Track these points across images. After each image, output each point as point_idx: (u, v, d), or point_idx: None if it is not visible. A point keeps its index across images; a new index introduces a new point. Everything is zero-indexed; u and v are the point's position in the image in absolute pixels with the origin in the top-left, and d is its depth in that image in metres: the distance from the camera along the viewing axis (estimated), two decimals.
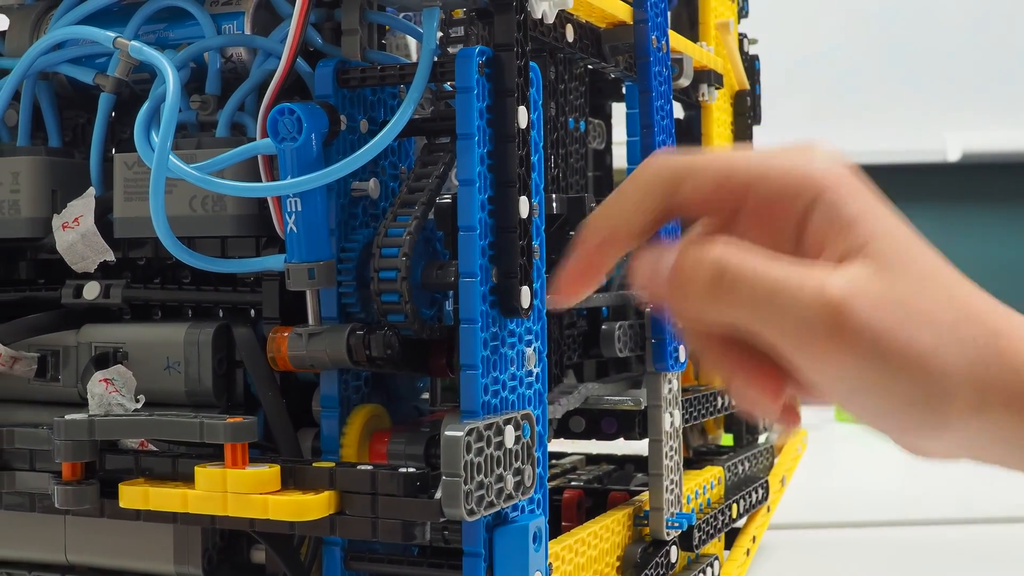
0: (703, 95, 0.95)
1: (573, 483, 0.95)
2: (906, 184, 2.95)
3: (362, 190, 0.65)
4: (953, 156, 2.87)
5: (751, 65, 1.06)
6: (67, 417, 0.61)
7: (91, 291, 0.70)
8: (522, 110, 0.62)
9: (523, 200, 0.62)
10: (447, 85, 0.70)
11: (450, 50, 0.68)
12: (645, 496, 0.81)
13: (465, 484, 0.56)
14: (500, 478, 0.59)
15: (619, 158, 1.00)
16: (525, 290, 0.62)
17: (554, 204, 0.73)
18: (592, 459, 1.04)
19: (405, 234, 0.62)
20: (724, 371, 0.49)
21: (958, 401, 0.46)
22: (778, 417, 0.51)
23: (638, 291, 0.50)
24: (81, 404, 0.67)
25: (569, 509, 0.86)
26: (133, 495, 0.60)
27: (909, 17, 2.86)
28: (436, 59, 0.62)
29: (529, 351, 0.65)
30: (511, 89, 0.61)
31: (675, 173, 0.49)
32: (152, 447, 0.65)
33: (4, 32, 0.75)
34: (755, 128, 1.06)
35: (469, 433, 0.57)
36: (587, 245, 0.50)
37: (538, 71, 0.64)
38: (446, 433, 0.57)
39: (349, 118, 0.64)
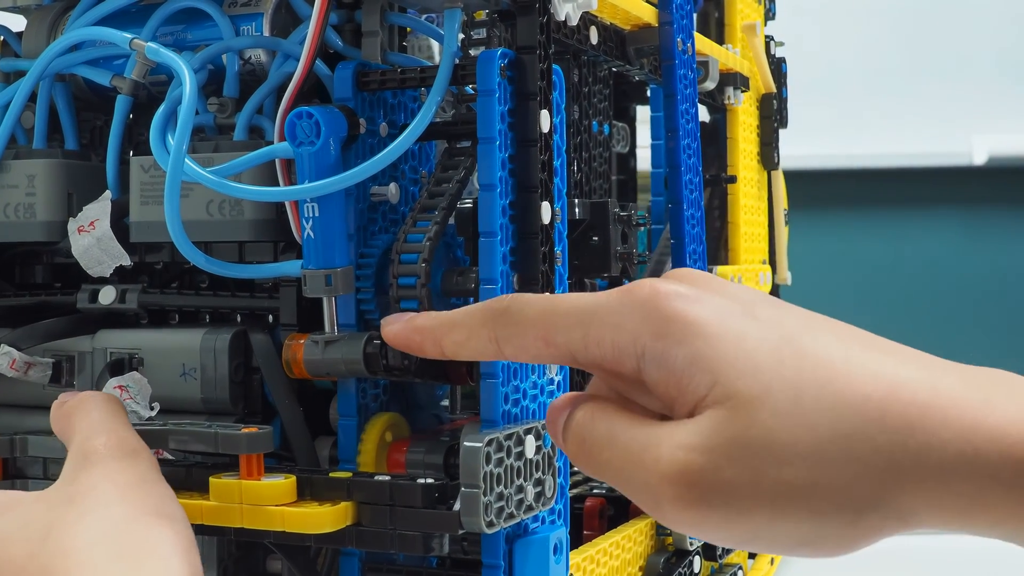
0: (729, 98, 0.93)
1: (595, 491, 0.93)
2: (932, 187, 2.95)
3: (381, 195, 0.64)
4: (979, 159, 2.88)
5: (778, 68, 1.04)
6: None
7: (107, 296, 0.69)
8: (544, 114, 0.60)
9: (545, 205, 0.61)
10: (469, 88, 0.68)
11: (472, 52, 0.67)
12: None
13: (484, 496, 0.55)
14: (520, 489, 0.58)
15: (643, 161, 0.99)
16: None
17: (577, 209, 0.72)
18: None
19: (425, 240, 0.60)
20: None
21: (873, 516, 0.41)
22: None
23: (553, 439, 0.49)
24: None
25: (591, 518, 0.85)
26: None
27: (935, 20, 2.85)
28: (457, 62, 0.61)
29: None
30: (533, 92, 0.60)
31: (501, 333, 0.48)
32: (167, 455, 0.64)
33: (21, 33, 0.74)
34: (781, 131, 1.05)
35: (489, 443, 0.55)
36: (413, 332, 0.52)
37: (561, 74, 0.63)
38: (465, 443, 0.55)
39: (369, 121, 0.63)
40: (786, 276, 1.04)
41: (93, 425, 0.56)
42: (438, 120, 0.63)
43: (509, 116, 0.60)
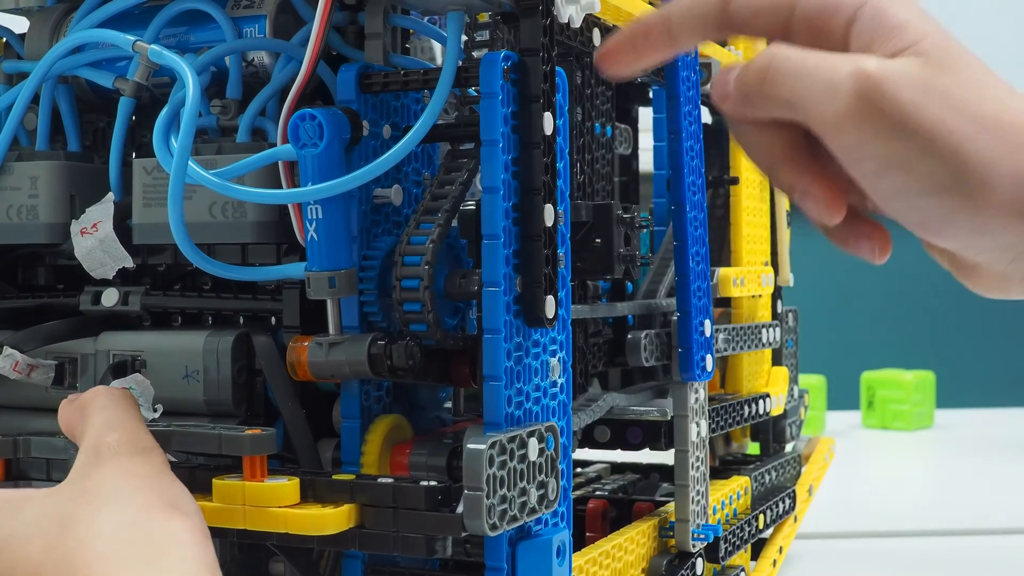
0: None
1: (598, 493, 0.94)
2: None
3: (384, 197, 0.64)
4: None
5: None
6: None
7: (110, 298, 0.69)
8: (547, 116, 0.60)
9: (548, 208, 0.60)
10: (472, 90, 0.68)
11: (475, 54, 0.67)
12: (671, 507, 0.80)
13: (488, 498, 0.55)
14: (523, 492, 0.58)
15: (645, 163, 0.99)
16: (550, 300, 0.60)
17: (582, 212, 0.72)
18: (617, 467, 1.03)
19: (428, 242, 0.60)
20: (768, 162, 0.53)
21: (995, 196, 0.46)
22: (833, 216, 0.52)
23: (717, 102, 0.53)
24: None
25: (594, 519, 0.85)
26: None
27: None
28: (460, 64, 0.61)
29: (554, 361, 0.63)
30: (537, 95, 0.60)
31: None
32: (170, 456, 0.64)
33: (24, 34, 0.74)
34: None
35: (492, 446, 0.55)
36: (640, 26, 0.54)
37: (564, 76, 0.63)
38: (468, 446, 0.55)
39: (372, 123, 0.63)
40: (788, 278, 1.04)
41: (106, 421, 0.56)
42: (441, 122, 0.63)
43: (512, 119, 0.60)
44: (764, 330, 0.95)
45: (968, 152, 0.46)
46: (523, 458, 0.58)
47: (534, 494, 0.59)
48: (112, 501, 0.52)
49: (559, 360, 0.64)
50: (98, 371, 0.68)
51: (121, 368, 0.66)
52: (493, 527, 0.56)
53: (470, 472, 0.55)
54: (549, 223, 0.61)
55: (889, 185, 0.48)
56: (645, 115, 1.02)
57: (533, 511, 0.59)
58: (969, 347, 2.78)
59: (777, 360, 1.03)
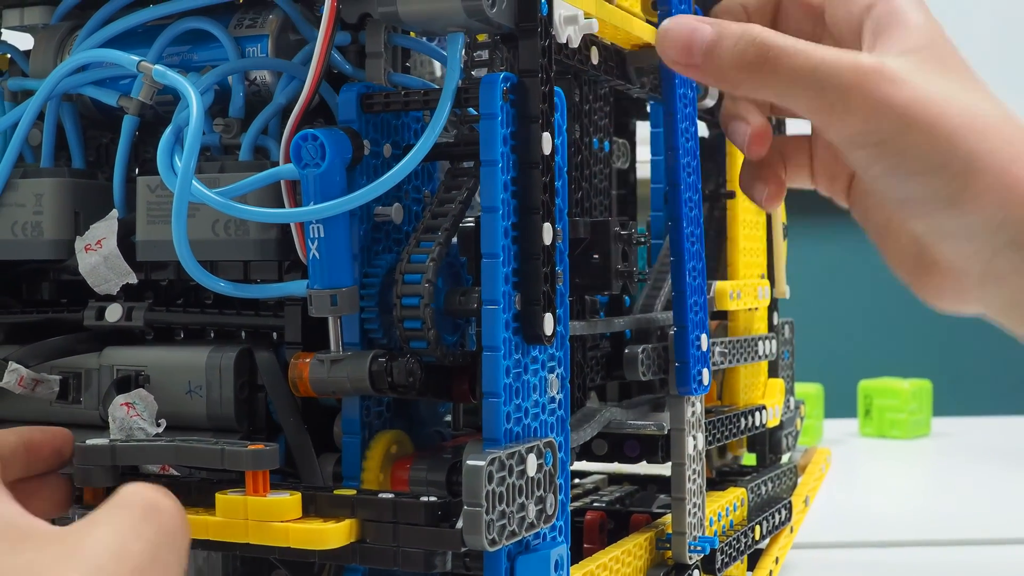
0: None
1: (595, 504, 0.94)
2: None
3: (385, 215, 0.65)
4: None
5: None
6: (88, 442, 0.61)
7: (113, 313, 0.70)
8: (546, 136, 0.61)
9: (547, 227, 0.61)
10: (471, 109, 0.69)
11: (474, 74, 0.68)
12: (667, 519, 0.81)
13: (487, 514, 0.56)
14: (522, 507, 0.59)
15: (644, 170, 1.00)
16: (548, 317, 0.61)
17: (580, 228, 0.73)
18: (614, 479, 1.03)
19: (428, 260, 0.61)
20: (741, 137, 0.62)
21: (980, 182, 0.51)
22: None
23: (669, 60, 0.59)
24: (102, 427, 0.67)
25: (591, 531, 0.86)
26: None
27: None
28: (460, 84, 0.62)
29: (552, 377, 0.64)
30: (535, 116, 0.61)
31: None
32: (173, 471, 0.65)
33: (28, 51, 0.75)
34: None
35: (491, 463, 0.56)
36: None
37: (562, 95, 0.64)
38: (468, 463, 0.56)
39: (372, 143, 0.64)
40: (784, 290, 1.05)
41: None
42: (441, 141, 0.64)
43: (511, 139, 0.61)
44: (760, 342, 0.96)
45: (959, 139, 0.51)
46: (522, 474, 0.59)
47: (532, 509, 0.60)
48: None
49: (557, 376, 0.65)
50: (102, 386, 0.68)
51: (125, 383, 0.67)
52: (492, 542, 0.56)
53: (469, 488, 0.56)
54: (548, 241, 0.61)
55: (882, 167, 0.52)
56: (643, 127, 1.03)
57: (532, 526, 0.60)
58: (966, 355, 2.79)
59: (773, 372, 1.03)
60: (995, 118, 0.52)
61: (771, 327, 1.03)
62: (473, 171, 0.65)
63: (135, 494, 0.50)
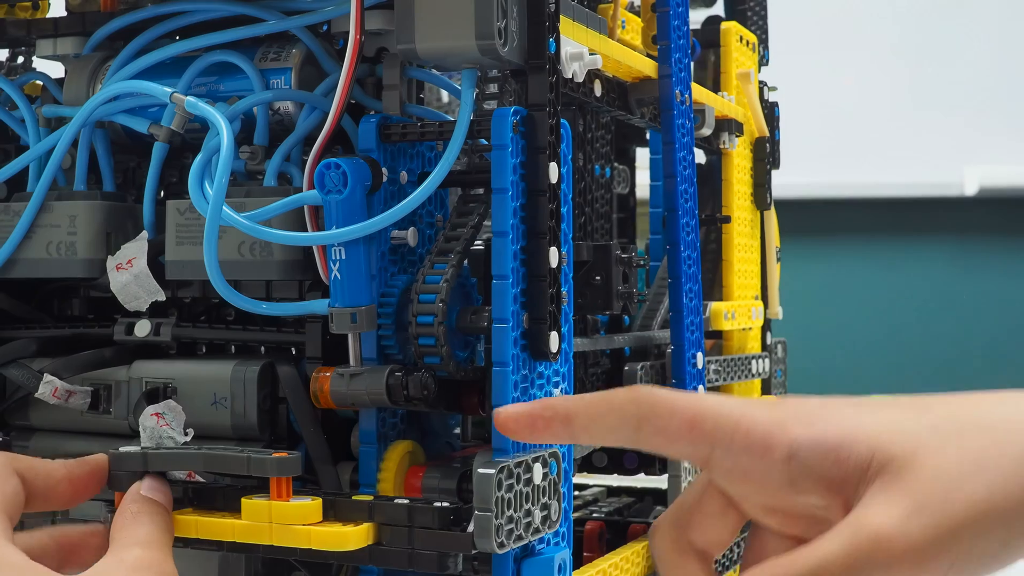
0: (724, 143, 0.98)
1: (595, 515, 0.98)
2: (923, 218, 2.98)
3: (401, 238, 0.69)
4: (971, 190, 2.93)
5: (771, 112, 1.10)
6: (121, 450, 0.65)
7: (142, 329, 0.73)
8: (553, 166, 0.65)
9: (553, 250, 0.66)
10: (482, 140, 0.74)
11: (485, 106, 0.72)
12: None
13: (496, 519, 0.60)
14: (528, 513, 0.63)
15: (643, 190, 1.04)
16: (554, 335, 0.65)
17: (583, 252, 0.77)
18: (613, 491, 1.07)
19: (442, 281, 0.65)
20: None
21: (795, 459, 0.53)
22: None
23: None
24: (130, 436, 0.71)
25: (591, 540, 0.90)
26: (184, 524, 0.64)
27: (927, 51, 2.90)
28: (472, 117, 0.66)
29: (557, 392, 0.68)
30: (543, 147, 0.65)
31: (642, 412, 0.56)
32: (199, 478, 0.68)
33: (60, 79, 0.79)
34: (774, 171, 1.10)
35: (500, 471, 0.60)
36: (544, 409, 0.58)
37: (568, 127, 0.68)
38: (479, 471, 0.60)
39: (390, 170, 0.68)
40: (777, 311, 1.09)
41: (140, 537, 0.60)
42: (453, 168, 0.68)
43: (520, 168, 0.65)
44: (754, 361, 1.00)
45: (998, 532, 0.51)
46: (528, 482, 0.63)
47: (538, 515, 0.64)
48: None
49: (562, 391, 0.69)
50: (131, 398, 0.72)
51: (154, 395, 0.71)
52: (500, 545, 0.60)
53: (480, 494, 0.60)
54: (554, 264, 0.66)
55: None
56: (642, 153, 1.07)
57: (537, 531, 0.64)
58: (980, 376, 2.82)
59: (766, 390, 1.07)
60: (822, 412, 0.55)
61: (764, 346, 1.07)
62: (483, 197, 0.69)
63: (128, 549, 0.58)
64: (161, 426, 0.68)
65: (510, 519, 0.61)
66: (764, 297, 1.07)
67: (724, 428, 0.54)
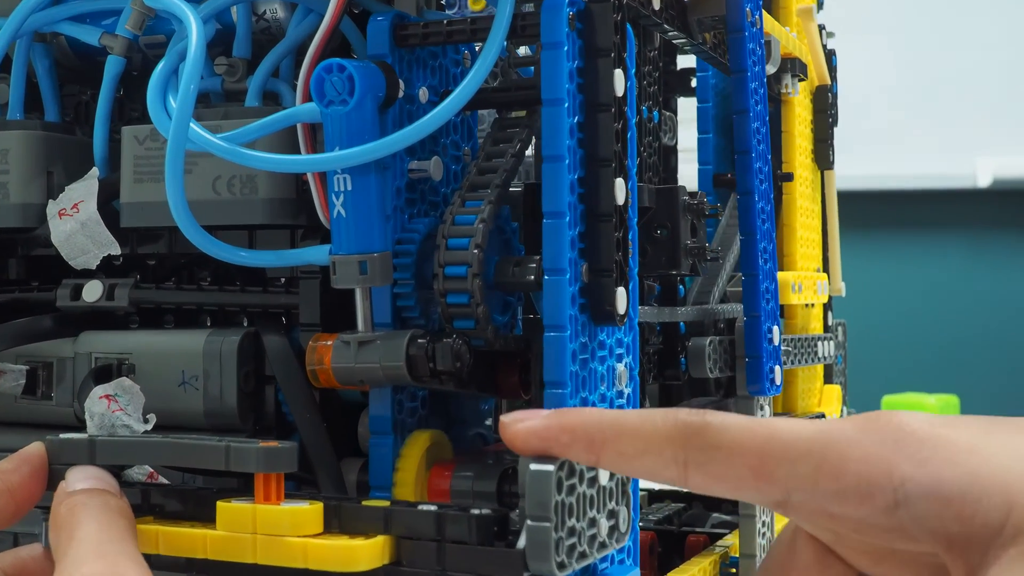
0: (786, 87, 0.84)
1: (641, 524, 0.83)
2: (936, 210, 2.96)
3: (422, 170, 0.54)
4: (984, 181, 2.89)
5: (828, 60, 0.95)
6: (61, 436, 0.51)
7: (92, 292, 0.59)
8: (619, 73, 0.51)
9: (619, 183, 0.51)
10: (519, 51, 0.59)
11: (526, 8, 0.57)
12: (730, 540, 0.70)
13: (556, 531, 0.45)
14: (592, 522, 0.48)
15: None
16: (621, 291, 0.51)
17: (644, 196, 0.62)
18: (655, 496, 0.93)
19: (477, 221, 0.50)
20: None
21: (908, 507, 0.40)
22: None
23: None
24: (77, 427, 0.56)
25: (641, 554, 0.75)
26: (143, 537, 0.49)
27: (940, 42, 2.89)
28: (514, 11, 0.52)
29: (620, 367, 0.53)
30: (607, 48, 0.50)
31: (691, 457, 0.43)
32: (163, 479, 0.54)
33: None
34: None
35: (560, 467, 0.45)
36: (562, 432, 0.44)
37: (632, 34, 0.53)
38: (532, 467, 0.45)
39: (406, 84, 0.54)
40: (840, 287, 0.95)
41: (85, 547, 0.46)
42: (486, 86, 0.54)
43: (578, 75, 0.50)
44: (820, 343, 0.85)
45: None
46: (592, 482, 0.48)
47: (604, 525, 0.49)
48: None
49: (626, 365, 0.54)
50: (77, 377, 0.58)
51: (105, 373, 0.57)
52: (561, 566, 0.45)
53: (535, 498, 0.45)
54: (620, 201, 0.51)
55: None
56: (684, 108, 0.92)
57: (603, 546, 0.49)
58: (993, 369, 2.77)
59: (829, 377, 0.93)
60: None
61: (826, 327, 0.92)
62: (525, 121, 0.55)
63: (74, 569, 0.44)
64: (113, 411, 0.53)
65: (572, 531, 0.46)
66: (826, 270, 0.93)
67: (802, 472, 0.41)
